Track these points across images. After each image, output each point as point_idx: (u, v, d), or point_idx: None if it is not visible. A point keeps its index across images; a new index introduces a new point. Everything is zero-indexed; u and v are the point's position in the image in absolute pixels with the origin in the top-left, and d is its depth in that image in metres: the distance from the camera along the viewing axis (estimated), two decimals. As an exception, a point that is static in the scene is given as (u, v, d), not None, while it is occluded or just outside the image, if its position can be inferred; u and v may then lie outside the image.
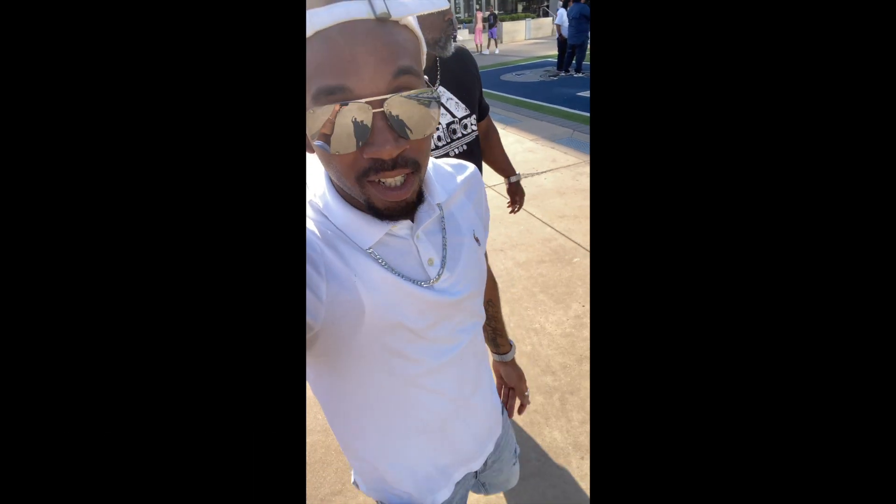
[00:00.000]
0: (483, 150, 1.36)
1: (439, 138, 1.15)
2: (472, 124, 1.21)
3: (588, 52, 8.52)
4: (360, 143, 0.39)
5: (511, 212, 1.55)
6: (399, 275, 0.50)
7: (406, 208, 0.45)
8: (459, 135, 1.18)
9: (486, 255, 0.70)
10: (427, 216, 0.51)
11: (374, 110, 0.38)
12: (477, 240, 0.60)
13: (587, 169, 3.77)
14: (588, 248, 2.60)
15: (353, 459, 0.66)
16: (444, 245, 0.55)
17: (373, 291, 0.48)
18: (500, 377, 0.88)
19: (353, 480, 0.70)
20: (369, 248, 0.49)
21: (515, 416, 1.14)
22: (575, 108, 5.83)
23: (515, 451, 0.83)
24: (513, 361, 0.87)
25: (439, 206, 0.55)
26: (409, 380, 0.55)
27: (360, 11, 0.37)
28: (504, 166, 1.47)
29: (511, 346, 0.86)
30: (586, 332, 1.95)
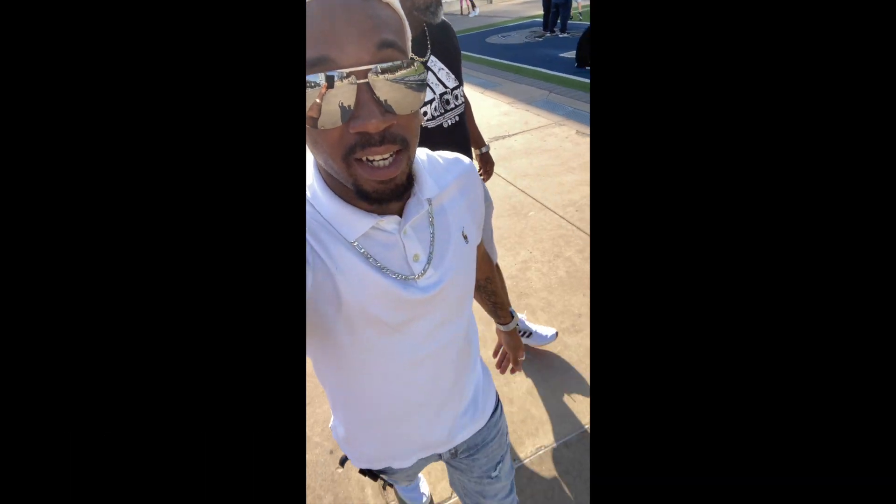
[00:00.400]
0: None
1: (435, 108, 1.18)
2: (462, 95, 1.24)
3: (574, 12, 8.43)
4: (346, 118, 0.38)
5: (484, 180, 1.65)
6: (381, 270, 0.50)
7: (396, 190, 0.43)
8: (452, 105, 1.21)
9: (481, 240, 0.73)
10: (416, 211, 0.51)
11: (358, 81, 0.37)
12: (465, 237, 0.58)
13: (556, 130, 3.94)
14: (543, 202, 2.83)
15: (333, 412, 0.70)
16: (432, 241, 0.54)
17: (352, 286, 0.48)
18: (500, 342, 0.96)
19: (331, 424, 0.74)
20: (354, 241, 0.48)
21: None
22: (554, 70, 5.90)
23: (498, 464, 0.81)
24: (513, 331, 0.92)
25: (429, 201, 0.53)
26: (384, 372, 0.56)
27: None
28: (476, 137, 1.54)
29: (512, 317, 0.92)
30: (529, 274, 2.21)
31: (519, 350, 0.94)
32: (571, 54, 6.38)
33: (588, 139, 3.68)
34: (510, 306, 0.95)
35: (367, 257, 0.49)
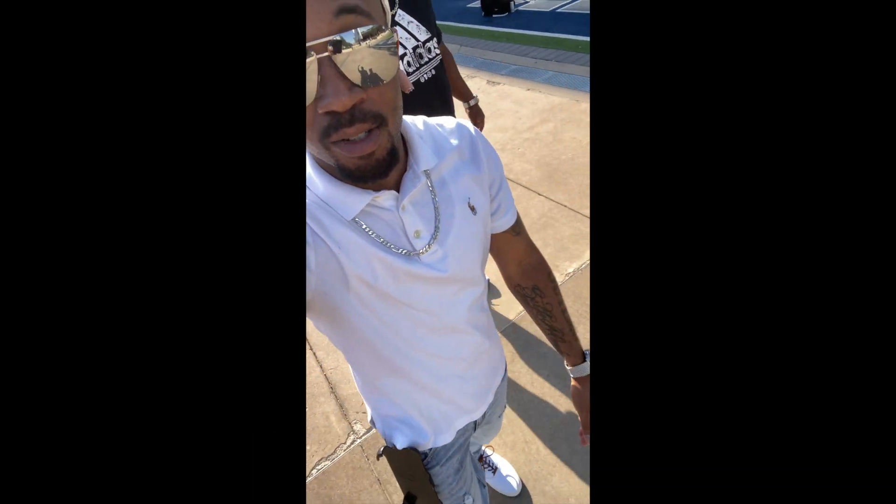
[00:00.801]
0: None
1: (409, 63, 1.14)
2: (435, 47, 1.19)
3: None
4: (313, 98, 0.36)
5: None
6: (384, 246, 0.49)
7: (378, 166, 0.42)
8: (426, 59, 1.17)
9: (522, 233, 0.67)
10: (412, 185, 0.49)
11: (317, 56, 0.35)
12: (472, 208, 0.56)
13: (469, 83, 4.07)
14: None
15: (368, 403, 0.69)
16: (437, 216, 0.53)
17: (356, 263, 0.48)
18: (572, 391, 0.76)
19: (370, 419, 0.72)
20: (354, 219, 0.48)
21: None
22: (463, 22, 6.02)
23: (504, 406, 0.86)
24: (586, 380, 0.73)
25: (426, 173, 0.52)
26: (404, 343, 0.56)
27: None
28: (462, 90, 1.45)
29: (583, 358, 0.72)
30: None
31: (586, 412, 0.74)
32: (478, 3, 6.48)
33: (497, 87, 3.93)
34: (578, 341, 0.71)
35: (368, 232, 0.48)
